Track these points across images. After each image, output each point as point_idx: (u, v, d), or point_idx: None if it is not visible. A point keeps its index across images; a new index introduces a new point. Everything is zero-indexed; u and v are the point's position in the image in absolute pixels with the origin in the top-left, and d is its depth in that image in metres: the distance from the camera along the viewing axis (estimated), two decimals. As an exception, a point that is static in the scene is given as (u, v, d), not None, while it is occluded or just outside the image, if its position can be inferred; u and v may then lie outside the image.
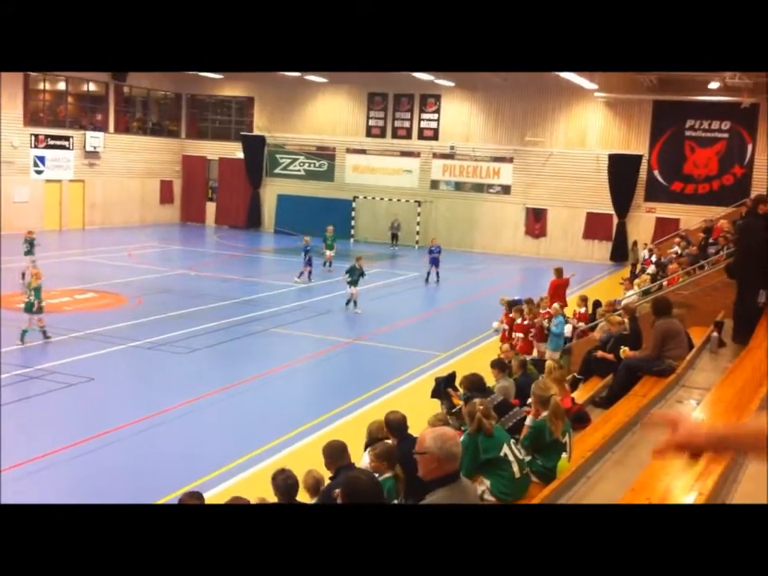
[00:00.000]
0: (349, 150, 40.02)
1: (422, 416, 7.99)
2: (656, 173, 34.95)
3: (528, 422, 7.05)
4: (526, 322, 15.31)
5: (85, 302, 21.28)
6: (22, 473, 10.31)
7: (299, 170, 41.29)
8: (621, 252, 34.97)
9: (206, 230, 41.65)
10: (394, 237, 37.57)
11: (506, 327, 16.18)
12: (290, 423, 12.61)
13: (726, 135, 33.65)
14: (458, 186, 38.41)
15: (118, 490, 9.80)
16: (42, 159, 35.46)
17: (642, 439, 7.40)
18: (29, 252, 23.88)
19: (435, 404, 9.55)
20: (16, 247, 28.04)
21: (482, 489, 6.22)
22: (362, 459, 6.96)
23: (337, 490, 4.93)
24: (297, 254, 29.52)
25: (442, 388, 9.27)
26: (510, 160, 37.27)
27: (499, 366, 10.06)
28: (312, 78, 38.90)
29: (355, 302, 21.98)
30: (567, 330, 15.13)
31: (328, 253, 29.02)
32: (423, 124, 38.72)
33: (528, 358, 11.98)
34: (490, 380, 9.60)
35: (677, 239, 26.74)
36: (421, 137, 38.77)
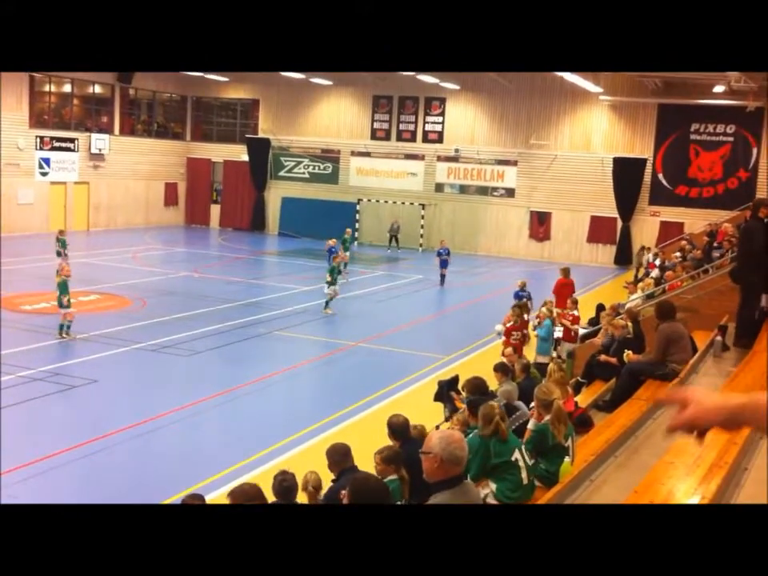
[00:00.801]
0: (353, 153, 40.05)
1: (425, 419, 7.99)
2: (660, 176, 34.91)
3: (531, 425, 7.04)
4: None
5: (89, 303, 21.30)
6: (25, 475, 10.32)
7: (304, 173, 41.33)
8: (625, 255, 34.95)
9: (210, 233, 41.70)
10: (395, 239, 37.44)
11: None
12: (293, 426, 12.61)
13: (730, 139, 33.60)
14: (463, 189, 38.41)
15: (121, 491, 9.80)
16: (47, 161, 35.53)
17: (645, 443, 7.39)
18: (60, 253, 24.80)
19: (438, 407, 9.55)
20: (20, 248, 28.13)
21: (487, 492, 6.20)
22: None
23: (343, 492, 4.92)
24: (308, 256, 29.55)
25: (445, 391, 9.28)
26: (515, 163, 37.27)
27: (502, 369, 10.04)
28: (317, 80, 38.94)
29: (328, 303, 21.80)
30: (557, 332, 15.19)
31: (343, 254, 28.94)
32: (428, 127, 38.73)
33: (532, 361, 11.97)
34: (493, 383, 9.59)
35: (683, 242, 26.72)
36: (425, 140, 38.79)
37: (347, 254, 28.63)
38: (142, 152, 40.79)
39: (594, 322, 15.74)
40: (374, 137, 39.68)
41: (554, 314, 15.48)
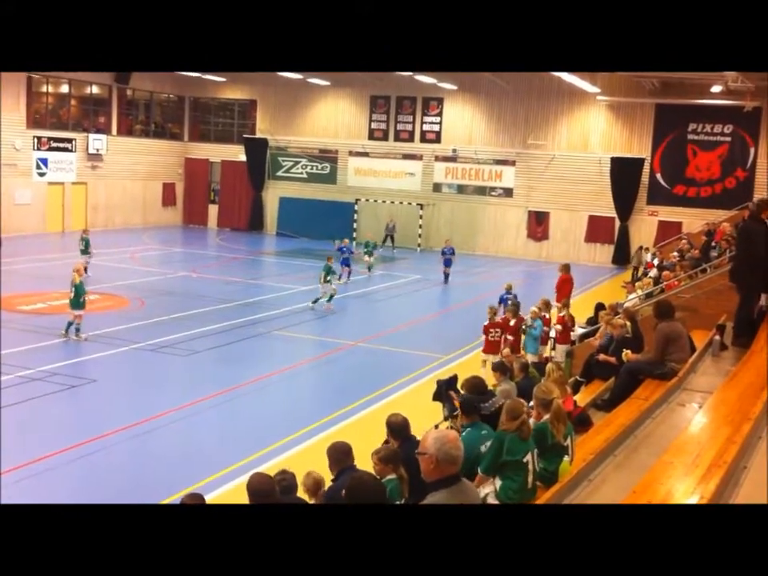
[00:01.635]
0: (351, 153, 40.04)
1: (423, 418, 7.99)
2: (658, 176, 34.93)
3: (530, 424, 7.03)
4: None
5: (87, 303, 21.22)
6: (23, 475, 10.31)
7: (301, 173, 41.32)
8: (623, 255, 34.97)
9: (208, 233, 41.67)
10: (390, 238, 37.32)
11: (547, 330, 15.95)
12: (292, 425, 12.61)
13: (728, 139, 33.63)
14: (461, 189, 38.41)
15: (120, 491, 9.79)
16: (44, 161, 35.50)
17: (644, 442, 7.39)
18: (84, 251, 25.44)
19: (437, 407, 9.55)
20: (19, 249, 28.10)
21: (488, 491, 6.18)
22: None
23: (344, 491, 4.92)
24: (306, 256, 29.53)
25: (444, 391, 9.26)
26: (513, 163, 37.27)
27: (501, 368, 10.04)
28: (314, 80, 38.93)
29: (318, 300, 22.10)
30: (552, 332, 15.27)
31: (367, 258, 29.02)
32: (426, 127, 38.73)
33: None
34: (492, 383, 9.59)
35: (682, 242, 26.73)
36: (423, 140, 38.79)
37: (372, 258, 28.60)
38: (140, 152, 40.77)
39: (592, 321, 15.74)
40: (371, 137, 39.67)
41: (544, 314, 15.59)
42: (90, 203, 38.19)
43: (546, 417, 6.70)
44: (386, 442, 6.97)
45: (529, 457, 6.12)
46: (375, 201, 39.30)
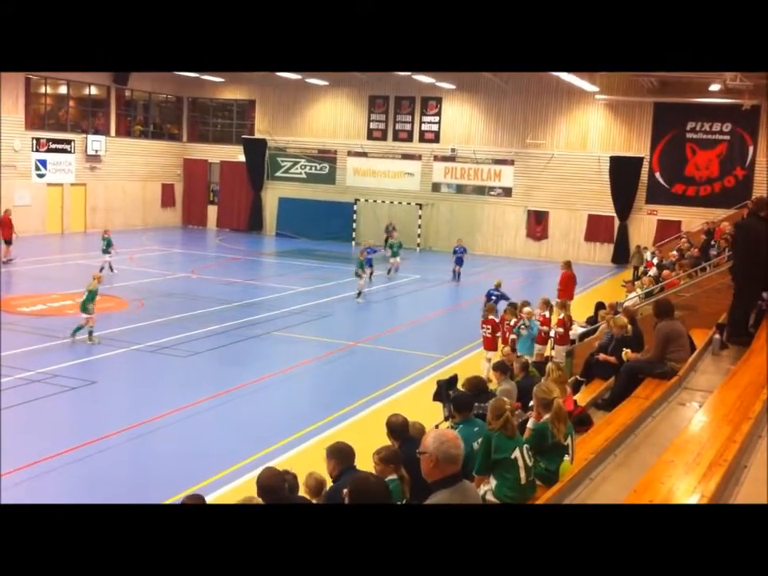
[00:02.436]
0: (350, 153, 40.03)
1: (424, 419, 7.98)
2: (657, 175, 34.94)
3: (530, 424, 7.03)
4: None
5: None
6: (24, 476, 10.31)
7: (300, 173, 41.32)
8: (622, 254, 34.97)
9: (207, 233, 41.67)
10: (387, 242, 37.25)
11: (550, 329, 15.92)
12: (292, 426, 12.61)
13: (727, 137, 33.64)
14: (460, 189, 38.41)
15: (121, 493, 9.79)
16: (43, 163, 35.50)
17: (645, 441, 7.40)
18: (106, 250, 26.10)
19: (437, 407, 9.54)
20: (18, 250, 28.08)
21: (486, 489, 6.20)
22: None
23: (345, 491, 4.92)
24: (305, 257, 29.46)
25: (444, 391, 9.25)
26: (511, 162, 37.28)
27: (501, 368, 10.05)
28: (313, 81, 38.93)
29: (360, 293, 23.60)
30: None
31: (393, 260, 29.03)
32: (424, 127, 38.73)
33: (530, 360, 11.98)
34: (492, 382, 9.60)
35: (682, 240, 26.73)
36: (422, 139, 38.79)
37: (398, 258, 28.53)
38: (139, 153, 40.76)
39: (592, 320, 15.73)
40: (370, 137, 39.67)
41: (544, 313, 15.61)
42: (89, 204, 38.19)
43: (547, 416, 6.70)
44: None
45: (517, 453, 6.14)
46: (374, 201, 39.32)
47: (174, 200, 43.40)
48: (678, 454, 5.91)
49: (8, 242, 27.60)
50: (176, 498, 9.22)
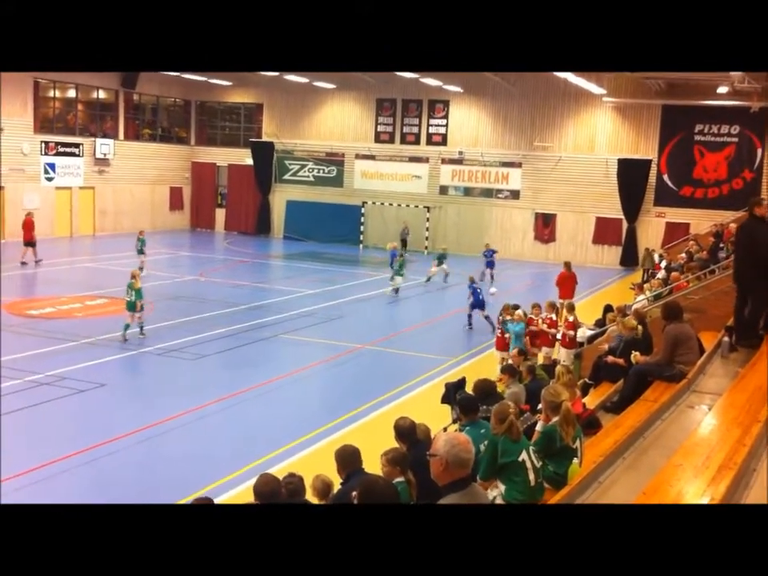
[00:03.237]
0: (358, 156, 40.07)
1: (432, 421, 7.98)
2: (665, 177, 34.87)
3: (539, 427, 7.02)
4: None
5: (96, 308, 21.36)
6: (33, 479, 10.34)
7: (308, 176, 41.37)
8: (630, 257, 34.90)
9: (215, 237, 41.75)
10: (403, 242, 37.38)
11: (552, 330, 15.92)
12: (300, 429, 12.62)
13: (735, 139, 33.56)
14: (467, 192, 38.40)
15: (129, 495, 9.81)
16: (52, 166, 35.64)
17: (653, 444, 7.38)
18: (141, 251, 26.97)
19: (445, 409, 9.54)
20: (28, 253, 28.17)
21: (495, 494, 6.19)
22: None
23: (354, 493, 4.91)
24: (313, 259, 29.40)
25: (452, 393, 9.24)
26: (519, 165, 37.26)
27: (510, 371, 10.03)
28: (320, 84, 39.00)
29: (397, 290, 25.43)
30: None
31: (434, 269, 28.84)
32: (432, 129, 38.75)
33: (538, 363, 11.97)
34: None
35: (690, 243, 26.67)
36: (429, 142, 38.80)
37: (444, 266, 28.32)
38: (147, 157, 40.89)
39: (600, 323, 15.71)
40: (377, 140, 39.70)
41: (550, 316, 15.63)
42: (97, 208, 38.32)
43: (555, 419, 6.68)
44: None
45: (524, 455, 6.12)
46: (382, 204, 39.34)
47: (183, 203, 43.51)
48: (687, 457, 5.90)
49: (31, 244, 27.86)
50: (184, 501, 9.23)
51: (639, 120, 35.18)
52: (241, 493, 9.87)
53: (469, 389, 8.87)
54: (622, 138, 35.58)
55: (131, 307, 17.85)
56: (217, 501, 7.78)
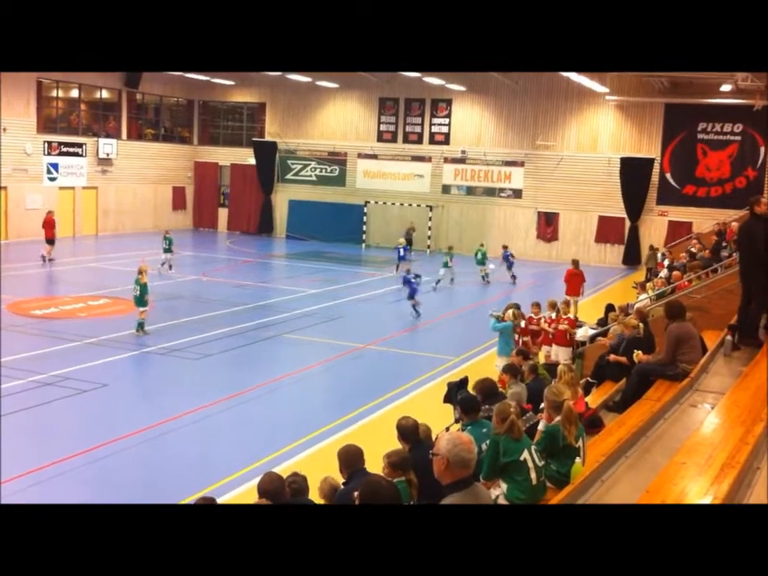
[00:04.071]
0: (360, 155, 40.07)
1: (434, 421, 7.99)
2: (668, 176, 34.84)
3: (541, 426, 7.02)
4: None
5: (98, 308, 21.38)
6: (36, 479, 10.35)
7: (311, 176, 41.38)
8: (633, 256, 34.87)
9: (218, 236, 41.78)
10: (409, 242, 37.32)
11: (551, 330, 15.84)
12: (303, 428, 12.63)
13: (738, 138, 33.52)
14: (470, 191, 38.39)
15: (132, 495, 9.82)
16: (55, 166, 35.67)
17: (656, 443, 7.37)
18: (168, 249, 27.43)
19: (448, 409, 9.54)
20: (29, 253, 28.25)
21: (497, 493, 6.19)
22: None
23: (356, 493, 4.92)
24: (316, 259, 29.39)
25: (455, 393, 9.25)
26: (522, 164, 37.24)
27: (511, 371, 10.02)
28: (323, 83, 39.00)
29: (439, 281, 26.93)
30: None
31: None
32: (434, 128, 38.74)
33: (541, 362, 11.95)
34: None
35: (693, 241, 26.64)
36: (432, 141, 38.80)
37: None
38: (150, 156, 40.92)
39: (602, 322, 15.70)
40: (380, 139, 39.71)
41: (551, 315, 15.62)
42: (100, 207, 38.36)
43: (558, 419, 6.68)
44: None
45: (526, 454, 6.12)
46: (384, 203, 39.34)
47: (185, 203, 43.54)
48: (690, 456, 5.89)
49: (51, 242, 28.31)
50: (188, 500, 9.24)
51: (642, 118, 35.15)
52: (244, 492, 9.88)
53: (471, 388, 8.88)
54: (625, 136, 35.55)
55: (139, 302, 18.03)
56: (220, 501, 7.79)
